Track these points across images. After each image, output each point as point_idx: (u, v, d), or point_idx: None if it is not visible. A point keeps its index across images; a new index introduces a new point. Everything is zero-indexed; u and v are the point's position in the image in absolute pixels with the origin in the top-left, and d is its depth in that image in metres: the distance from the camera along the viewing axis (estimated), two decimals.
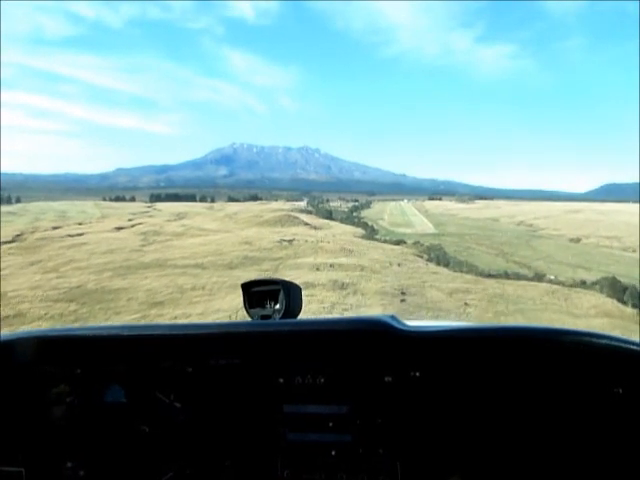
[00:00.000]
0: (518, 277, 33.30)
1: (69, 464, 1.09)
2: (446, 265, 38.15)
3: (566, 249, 52.53)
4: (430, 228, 75.33)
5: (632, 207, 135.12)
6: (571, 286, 30.68)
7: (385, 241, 54.17)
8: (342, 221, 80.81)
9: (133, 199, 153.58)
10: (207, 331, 1.06)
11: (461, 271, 35.22)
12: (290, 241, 43.46)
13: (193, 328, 1.08)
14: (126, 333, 1.10)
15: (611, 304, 25.57)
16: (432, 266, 37.16)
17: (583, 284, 31.32)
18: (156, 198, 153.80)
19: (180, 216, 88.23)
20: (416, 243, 52.09)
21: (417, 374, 0.92)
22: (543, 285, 30.07)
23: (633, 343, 0.78)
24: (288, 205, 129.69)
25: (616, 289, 28.15)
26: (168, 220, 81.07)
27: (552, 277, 34.35)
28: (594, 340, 0.81)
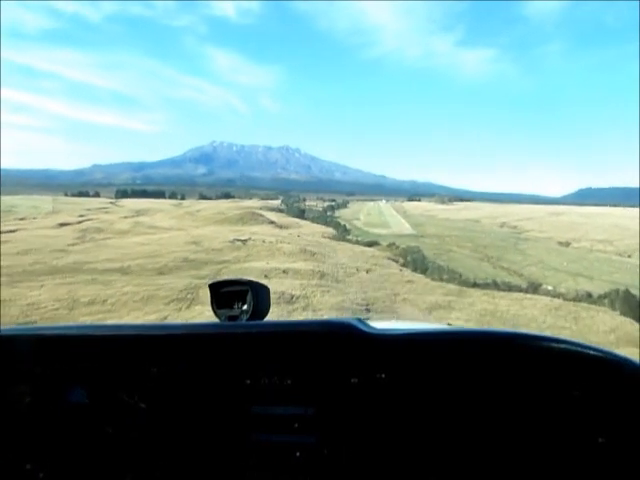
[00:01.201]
0: (510, 288, 27.75)
1: (28, 466, 1.05)
2: (424, 271, 32.40)
3: (558, 254, 47.41)
4: (407, 229, 69.64)
5: (613, 210, 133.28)
6: (575, 300, 25.26)
7: (357, 242, 48.40)
8: (314, 220, 75.01)
9: (97, 195, 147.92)
10: (173, 332, 1.05)
11: (441, 279, 29.47)
12: (245, 241, 37.37)
13: (159, 329, 1.08)
14: (90, 332, 1.10)
15: (630, 326, 20.07)
16: (408, 273, 31.33)
17: (589, 297, 25.91)
18: (122, 194, 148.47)
19: (140, 213, 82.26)
20: (391, 245, 46.27)
21: (383, 376, 0.92)
22: (542, 299, 24.47)
23: (591, 348, 0.81)
24: (261, 203, 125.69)
25: (631, 305, 22.72)
26: (124, 217, 74.60)
27: (550, 288, 29.01)
28: (554, 345, 0.84)
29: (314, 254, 34.10)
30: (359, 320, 0.96)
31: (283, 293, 21.74)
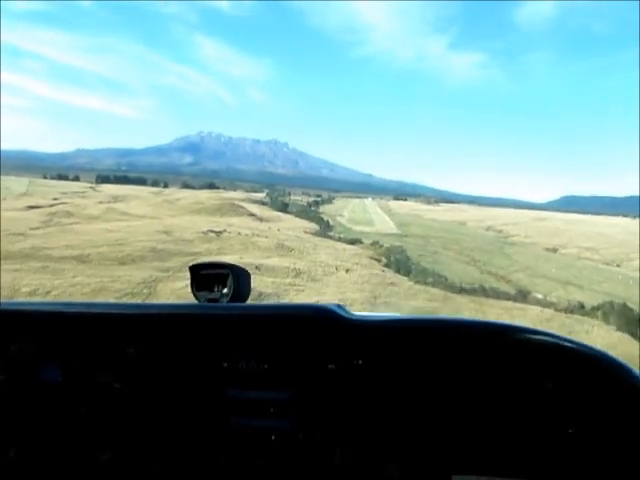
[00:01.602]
0: (498, 294, 26.09)
1: None
2: (407, 273, 30.56)
3: (546, 260, 45.99)
4: (392, 228, 67.91)
5: (596, 218, 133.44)
6: (567, 311, 23.65)
7: (339, 239, 46.49)
8: (297, 214, 72.85)
9: (77, 179, 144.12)
10: (152, 311, 1.05)
11: (425, 282, 27.70)
12: (219, 233, 35.19)
13: (137, 308, 1.08)
14: (66, 310, 1.07)
15: (630, 343, 18.44)
16: (390, 274, 29.50)
17: (582, 309, 24.27)
18: (103, 179, 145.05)
19: (117, 199, 79.09)
20: (374, 244, 44.39)
21: (360, 362, 0.93)
22: (533, 309, 22.90)
23: (567, 340, 0.83)
24: (244, 195, 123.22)
25: (628, 320, 21.09)
26: (99, 202, 71.65)
27: (540, 296, 27.39)
28: (530, 335, 0.87)
29: (292, 250, 32.10)
30: (338, 306, 0.97)
31: (252, 290, 19.69)
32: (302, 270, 25.75)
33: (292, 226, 53.14)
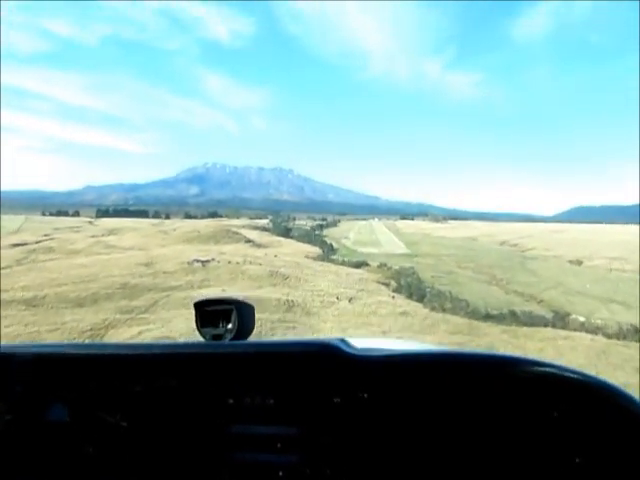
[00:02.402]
0: (532, 320, 21.58)
1: None
2: (421, 298, 26.19)
3: (575, 274, 41.33)
4: (401, 247, 63.65)
5: (612, 227, 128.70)
6: (619, 336, 19.22)
7: (343, 263, 42.30)
8: (299, 239, 69.15)
9: (77, 214, 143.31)
10: (157, 351, 1.06)
11: (443, 309, 23.30)
12: (206, 262, 31.31)
13: (142, 348, 1.07)
14: (72, 351, 1.09)
15: None
16: (401, 300, 25.12)
17: (637, 333, 19.74)
18: (103, 213, 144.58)
19: (112, 232, 76.26)
20: (382, 266, 40.14)
21: (365, 395, 0.92)
22: (580, 337, 18.44)
23: (570, 371, 0.84)
24: (246, 222, 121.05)
25: None
26: (91, 236, 68.63)
27: (582, 319, 22.92)
28: (535, 368, 0.86)
29: (287, 278, 28.04)
30: (342, 340, 0.97)
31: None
32: (296, 302, 21.63)
33: (292, 251, 49.28)
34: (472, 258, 49.88)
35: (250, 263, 32.07)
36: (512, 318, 21.42)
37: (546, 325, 21.04)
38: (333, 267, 38.28)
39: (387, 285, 31.00)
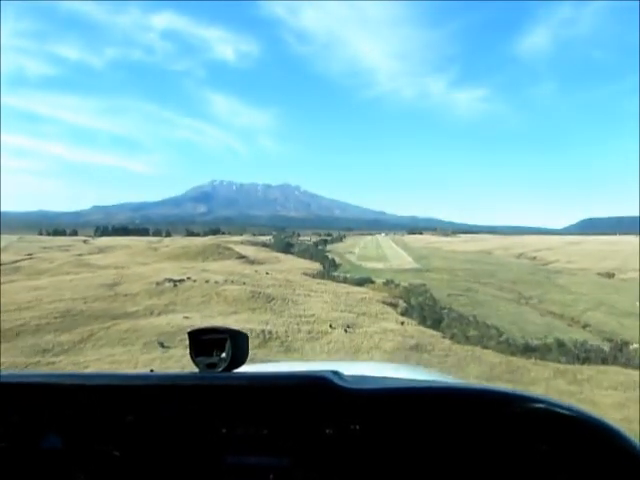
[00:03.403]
0: (587, 353, 16.28)
1: None
2: (437, 324, 20.98)
3: (614, 289, 35.91)
4: (409, 262, 58.29)
5: (627, 238, 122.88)
6: None
7: (345, 280, 37.23)
8: (299, 254, 64.39)
9: (75, 233, 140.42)
10: (150, 382, 1.04)
11: (467, 338, 18.05)
12: (178, 282, 26.41)
13: (136, 379, 1.07)
14: (66, 382, 1.09)
15: None
16: (412, 327, 19.89)
17: None
18: (102, 232, 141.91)
19: (102, 250, 72.84)
20: (388, 283, 34.94)
21: (357, 427, 0.92)
22: None
23: (562, 407, 0.83)
24: (248, 238, 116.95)
25: None
26: (78, 254, 64.64)
27: None
28: (525, 403, 0.85)
29: (271, 300, 23.04)
30: (334, 373, 0.95)
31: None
32: (275, 333, 16.67)
33: (289, 267, 44.34)
34: (491, 273, 44.58)
35: (232, 282, 27.12)
36: (560, 351, 16.25)
37: (604, 360, 15.87)
38: (332, 285, 33.27)
39: (394, 306, 25.86)
